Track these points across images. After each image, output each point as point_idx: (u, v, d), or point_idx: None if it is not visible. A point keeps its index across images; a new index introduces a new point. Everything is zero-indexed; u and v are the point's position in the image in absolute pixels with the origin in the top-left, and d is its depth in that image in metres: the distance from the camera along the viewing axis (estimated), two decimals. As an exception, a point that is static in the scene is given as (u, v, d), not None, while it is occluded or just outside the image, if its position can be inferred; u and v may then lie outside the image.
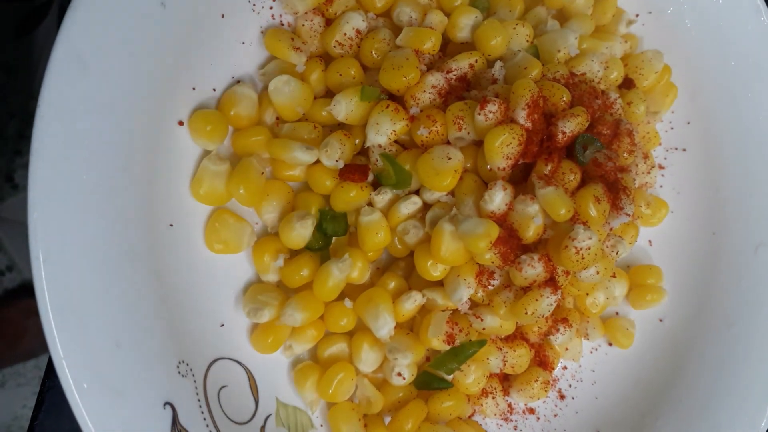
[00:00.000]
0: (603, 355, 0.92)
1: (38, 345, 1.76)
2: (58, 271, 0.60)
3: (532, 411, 0.89)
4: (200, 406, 0.69)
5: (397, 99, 0.78)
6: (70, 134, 0.61)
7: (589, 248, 0.71)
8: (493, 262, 0.73)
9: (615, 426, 0.89)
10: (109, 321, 0.62)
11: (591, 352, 0.92)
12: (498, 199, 0.73)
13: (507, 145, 0.72)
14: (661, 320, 0.93)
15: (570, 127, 0.73)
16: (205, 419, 0.68)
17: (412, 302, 0.76)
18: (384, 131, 0.76)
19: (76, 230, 0.61)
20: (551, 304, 0.74)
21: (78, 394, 0.59)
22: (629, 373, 0.92)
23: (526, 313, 0.74)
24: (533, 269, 0.73)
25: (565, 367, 0.91)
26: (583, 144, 0.75)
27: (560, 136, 0.73)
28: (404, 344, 0.77)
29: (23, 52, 1.81)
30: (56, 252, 0.60)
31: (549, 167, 0.74)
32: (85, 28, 0.61)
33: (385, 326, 0.74)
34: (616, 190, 0.76)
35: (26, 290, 1.89)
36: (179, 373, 0.68)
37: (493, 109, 0.73)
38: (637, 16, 0.92)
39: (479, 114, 0.73)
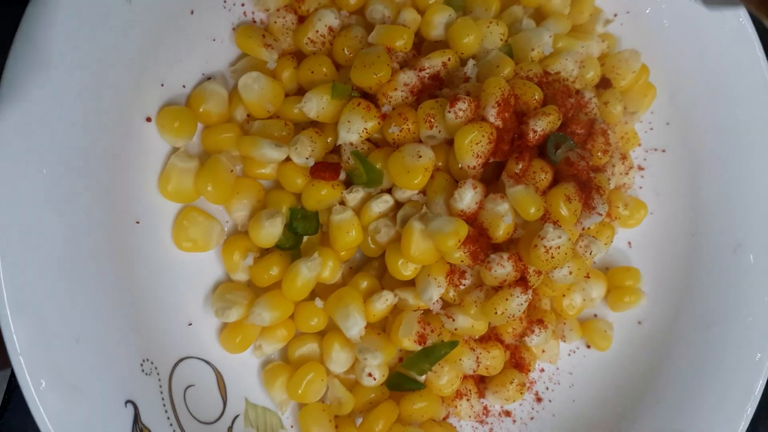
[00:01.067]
0: (581, 358, 0.92)
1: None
2: (16, 266, 0.59)
3: (508, 413, 0.88)
4: (164, 405, 0.68)
5: (369, 97, 0.77)
6: (30, 129, 0.61)
7: (559, 247, 0.70)
8: (462, 261, 0.72)
9: (592, 429, 0.88)
10: (69, 317, 0.61)
11: (569, 355, 0.92)
12: (468, 197, 0.72)
13: (477, 144, 0.71)
14: (639, 323, 0.93)
15: (541, 125, 0.73)
16: (168, 418, 0.67)
17: (383, 302, 0.75)
18: (356, 129, 0.75)
19: (36, 226, 0.61)
20: (521, 304, 0.73)
21: (35, 390, 0.58)
22: (607, 375, 0.91)
23: (496, 313, 0.73)
24: (503, 268, 0.72)
25: (542, 370, 0.90)
26: (555, 143, 0.74)
27: (531, 134, 0.73)
28: (375, 344, 0.76)
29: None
30: (14, 247, 0.59)
31: (520, 166, 0.73)
32: (47, 22, 0.61)
33: (355, 326, 0.74)
34: (588, 189, 0.75)
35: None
36: (143, 371, 0.67)
37: (463, 107, 0.72)
38: (615, 15, 0.92)
39: (449, 112, 0.73)
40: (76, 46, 0.63)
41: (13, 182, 0.60)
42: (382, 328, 0.80)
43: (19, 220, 0.60)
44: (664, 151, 0.95)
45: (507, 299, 0.73)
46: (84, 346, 0.62)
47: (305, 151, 0.75)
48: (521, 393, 0.85)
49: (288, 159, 0.76)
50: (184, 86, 0.75)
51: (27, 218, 0.60)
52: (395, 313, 0.79)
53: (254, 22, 0.80)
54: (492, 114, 0.71)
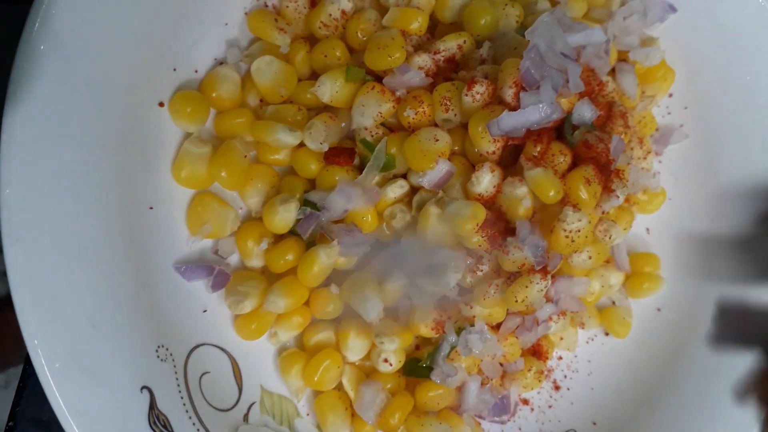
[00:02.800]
0: (599, 345, 0.90)
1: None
2: (32, 251, 0.59)
3: (525, 402, 0.87)
4: (180, 392, 0.67)
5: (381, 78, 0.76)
6: (43, 115, 0.60)
7: (579, 230, 0.69)
8: (480, 246, 0.71)
9: (611, 417, 0.87)
10: (84, 302, 0.61)
11: (587, 342, 0.90)
12: (485, 181, 0.71)
13: (492, 128, 0.70)
14: (659, 309, 0.91)
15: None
16: (184, 405, 0.67)
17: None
18: (370, 113, 0.74)
19: (51, 210, 0.60)
20: (541, 290, 0.72)
21: (51, 375, 0.58)
22: (626, 363, 0.90)
23: (516, 301, 0.72)
24: (521, 253, 0.71)
25: (560, 357, 0.89)
26: (573, 124, 0.73)
27: (549, 115, 0.71)
28: (391, 330, 0.75)
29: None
30: (29, 231, 0.59)
31: (538, 148, 0.72)
32: (58, 6, 0.60)
33: (374, 309, 0.73)
34: (607, 172, 0.74)
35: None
36: (158, 357, 0.66)
37: (480, 90, 0.71)
38: (632, -3, 0.90)
39: (466, 95, 0.72)
40: (88, 31, 0.63)
41: (27, 167, 0.59)
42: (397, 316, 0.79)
43: (35, 206, 0.59)
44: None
45: (527, 286, 0.72)
46: (99, 331, 0.61)
47: (319, 136, 0.74)
48: (539, 381, 0.84)
49: (302, 144, 0.76)
50: (196, 71, 0.75)
51: (42, 203, 0.60)
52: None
53: (266, 6, 0.79)
54: (509, 95, 0.70)
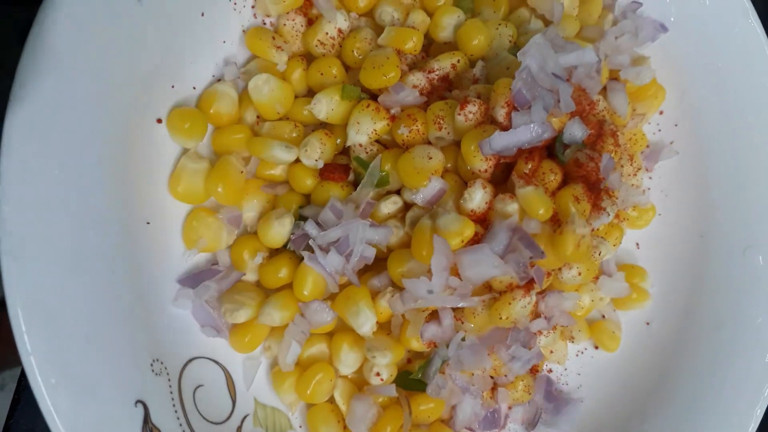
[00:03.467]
0: (589, 359, 0.91)
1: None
2: (28, 266, 0.59)
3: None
4: (174, 405, 0.68)
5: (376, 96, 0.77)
6: (41, 130, 0.61)
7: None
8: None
9: (601, 430, 0.88)
10: (79, 317, 0.61)
11: (577, 355, 0.91)
12: (478, 197, 0.72)
13: (484, 148, 0.71)
14: (648, 323, 0.92)
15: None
16: (178, 418, 0.68)
17: (390, 297, 0.75)
18: (365, 130, 0.75)
19: (47, 225, 0.61)
20: (525, 307, 0.73)
21: (46, 389, 0.58)
22: (616, 376, 0.91)
23: (501, 318, 0.73)
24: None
25: (550, 371, 0.90)
26: (564, 143, 0.74)
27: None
28: (384, 344, 0.76)
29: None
30: (26, 246, 0.59)
31: (529, 166, 0.73)
32: (59, 22, 0.61)
33: (366, 322, 0.74)
34: (597, 190, 0.75)
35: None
36: (153, 371, 0.67)
37: (473, 109, 0.73)
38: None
39: (459, 114, 0.73)
40: (88, 47, 0.64)
41: (24, 182, 0.60)
42: (389, 330, 0.80)
43: (31, 220, 0.60)
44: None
45: (510, 303, 0.73)
46: (94, 345, 0.62)
47: (315, 153, 0.75)
48: (530, 394, 0.85)
49: (298, 160, 0.77)
50: (194, 88, 0.76)
51: (38, 218, 0.60)
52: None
53: (264, 24, 0.80)
54: (501, 114, 0.71)
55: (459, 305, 0.73)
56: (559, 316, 0.81)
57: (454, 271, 0.72)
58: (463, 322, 0.77)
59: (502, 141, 0.69)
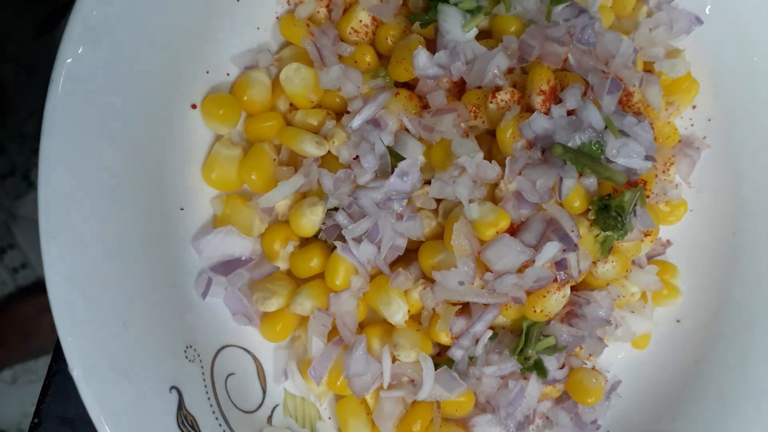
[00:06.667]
0: (618, 356, 0.90)
1: (51, 342, 1.76)
2: (67, 250, 0.59)
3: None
4: (207, 393, 0.68)
5: (411, 86, 0.77)
6: (81, 115, 0.61)
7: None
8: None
9: (630, 429, 0.87)
10: (117, 301, 0.62)
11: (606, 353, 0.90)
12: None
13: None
14: (678, 321, 0.91)
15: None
16: (211, 405, 0.67)
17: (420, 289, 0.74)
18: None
19: (86, 210, 0.61)
20: (558, 300, 0.73)
21: (84, 373, 0.58)
22: (645, 374, 0.90)
23: (535, 311, 0.73)
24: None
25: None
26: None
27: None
28: (410, 341, 0.75)
29: (43, 52, 1.83)
30: (65, 231, 0.59)
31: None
32: (98, 5, 0.61)
33: (399, 311, 0.73)
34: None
35: (40, 287, 1.89)
36: (186, 357, 0.67)
37: (505, 97, 0.72)
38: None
39: (491, 103, 0.72)
40: (125, 34, 0.64)
41: (64, 168, 0.60)
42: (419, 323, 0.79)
43: (71, 205, 0.60)
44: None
45: (544, 296, 0.72)
46: (131, 330, 0.62)
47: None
48: (558, 391, 0.84)
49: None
50: (228, 74, 0.75)
51: (77, 201, 0.61)
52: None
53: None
54: (538, 102, 0.71)
55: (490, 301, 0.73)
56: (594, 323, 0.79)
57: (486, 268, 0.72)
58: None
59: (542, 123, 0.68)
